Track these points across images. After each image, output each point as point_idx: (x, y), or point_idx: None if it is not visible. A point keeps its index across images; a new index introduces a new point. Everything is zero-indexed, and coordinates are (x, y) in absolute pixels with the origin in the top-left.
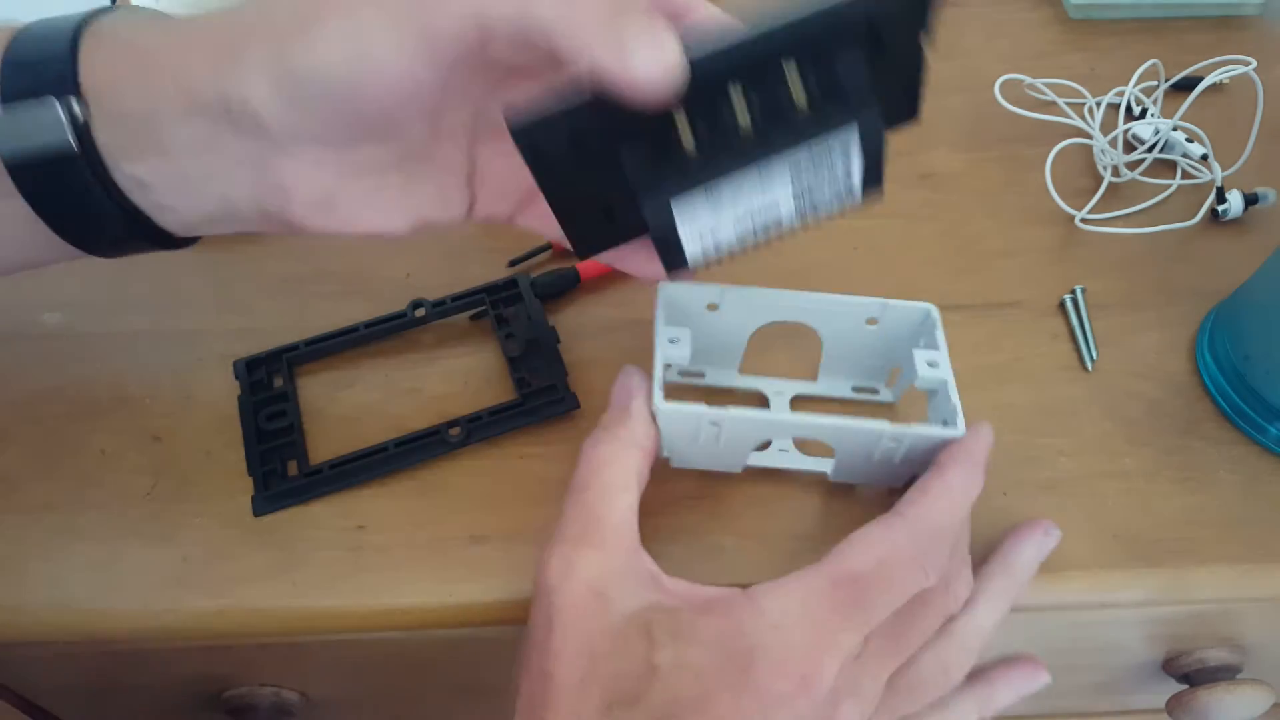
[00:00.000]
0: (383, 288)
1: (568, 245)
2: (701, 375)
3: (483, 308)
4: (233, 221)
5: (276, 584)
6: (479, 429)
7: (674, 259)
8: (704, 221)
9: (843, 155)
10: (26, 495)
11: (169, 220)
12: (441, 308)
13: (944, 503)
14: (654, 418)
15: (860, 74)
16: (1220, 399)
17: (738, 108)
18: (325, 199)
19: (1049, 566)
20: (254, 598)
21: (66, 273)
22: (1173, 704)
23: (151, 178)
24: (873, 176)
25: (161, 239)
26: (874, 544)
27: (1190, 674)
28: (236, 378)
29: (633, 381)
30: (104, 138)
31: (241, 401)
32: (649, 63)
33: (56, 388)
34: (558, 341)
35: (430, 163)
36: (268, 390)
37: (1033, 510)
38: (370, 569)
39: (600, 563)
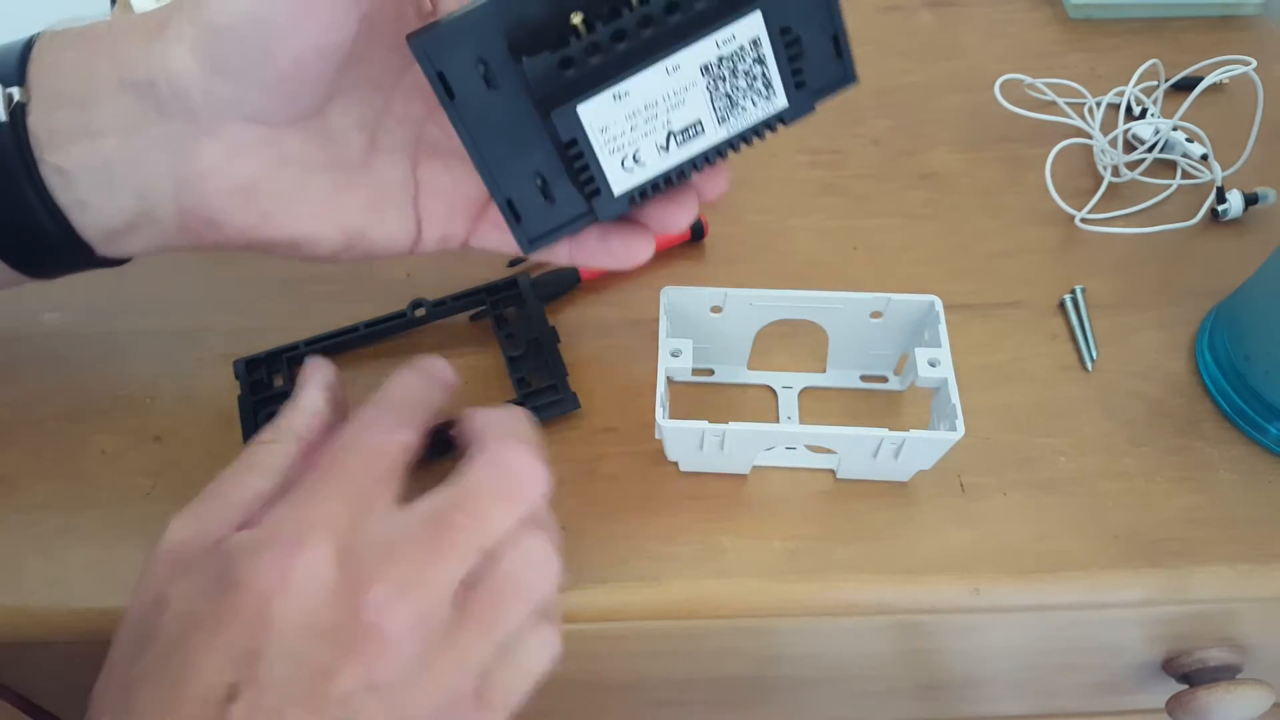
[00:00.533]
0: (383, 288)
1: (522, 255)
2: (711, 372)
3: (483, 308)
4: (151, 227)
5: None
6: None
7: (598, 188)
8: (622, 138)
9: (755, 56)
10: (26, 495)
11: (88, 222)
12: (442, 307)
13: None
14: (323, 406)
15: None
16: (1220, 399)
17: (634, 3)
18: (246, 187)
19: (1049, 566)
20: None
21: None
22: (1173, 704)
23: (73, 165)
24: (792, 81)
25: (84, 253)
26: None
27: (1190, 674)
28: (237, 377)
29: (306, 372)
30: (36, 123)
31: (242, 401)
32: None
33: (56, 388)
34: (558, 341)
35: (366, 172)
36: (268, 390)
37: (1033, 510)
38: None
39: (189, 527)
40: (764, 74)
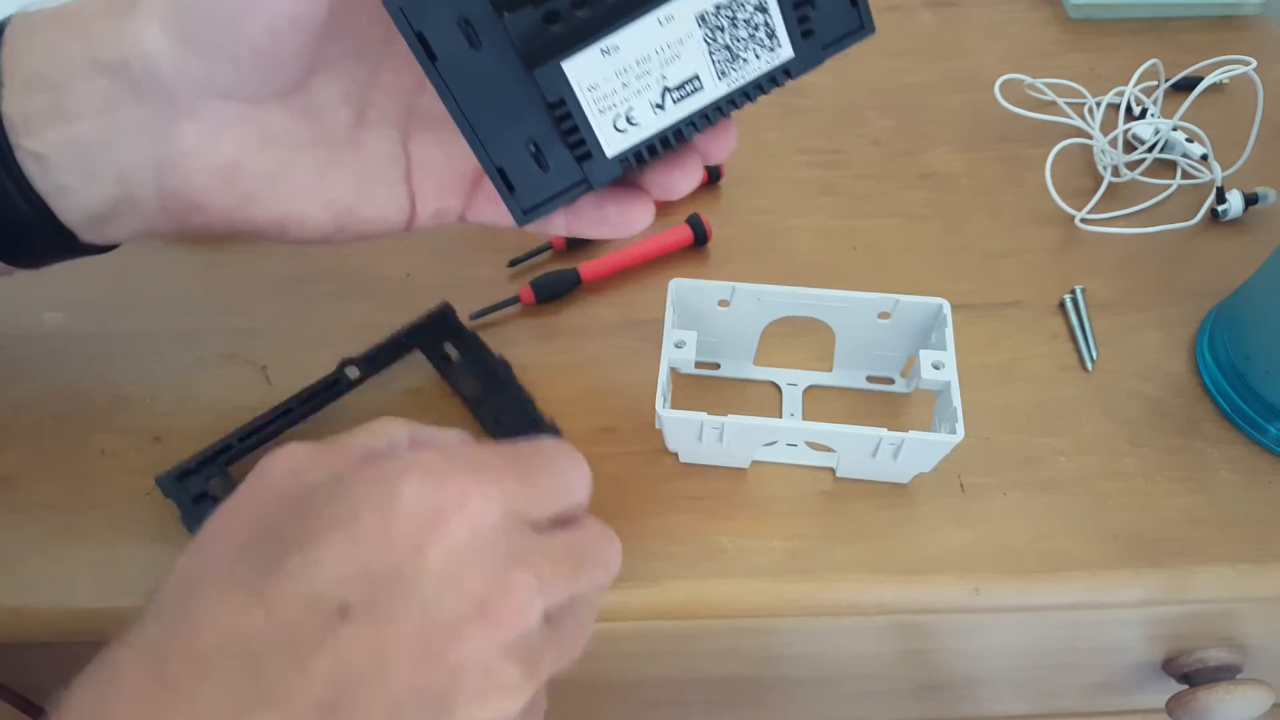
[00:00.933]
0: (383, 288)
1: (532, 230)
2: (717, 366)
3: (413, 349)
4: (133, 211)
5: None
6: None
7: (589, 151)
8: (613, 96)
9: (756, 3)
10: (26, 495)
11: (69, 208)
12: (375, 363)
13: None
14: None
15: None
16: (1220, 399)
17: None
18: (228, 168)
19: (1049, 566)
20: None
21: (67, 273)
22: (1172, 704)
23: (50, 150)
24: (799, 29)
25: (67, 240)
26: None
27: (1190, 674)
28: (167, 495)
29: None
30: (10, 108)
31: (185, 521)
32: None
33: (56, 388)
34: (509, 368)
35: (354, 148)
36: (209, 500)
37: (1033, 510)
38: None
39: (311, 453)
40: (766, 22)
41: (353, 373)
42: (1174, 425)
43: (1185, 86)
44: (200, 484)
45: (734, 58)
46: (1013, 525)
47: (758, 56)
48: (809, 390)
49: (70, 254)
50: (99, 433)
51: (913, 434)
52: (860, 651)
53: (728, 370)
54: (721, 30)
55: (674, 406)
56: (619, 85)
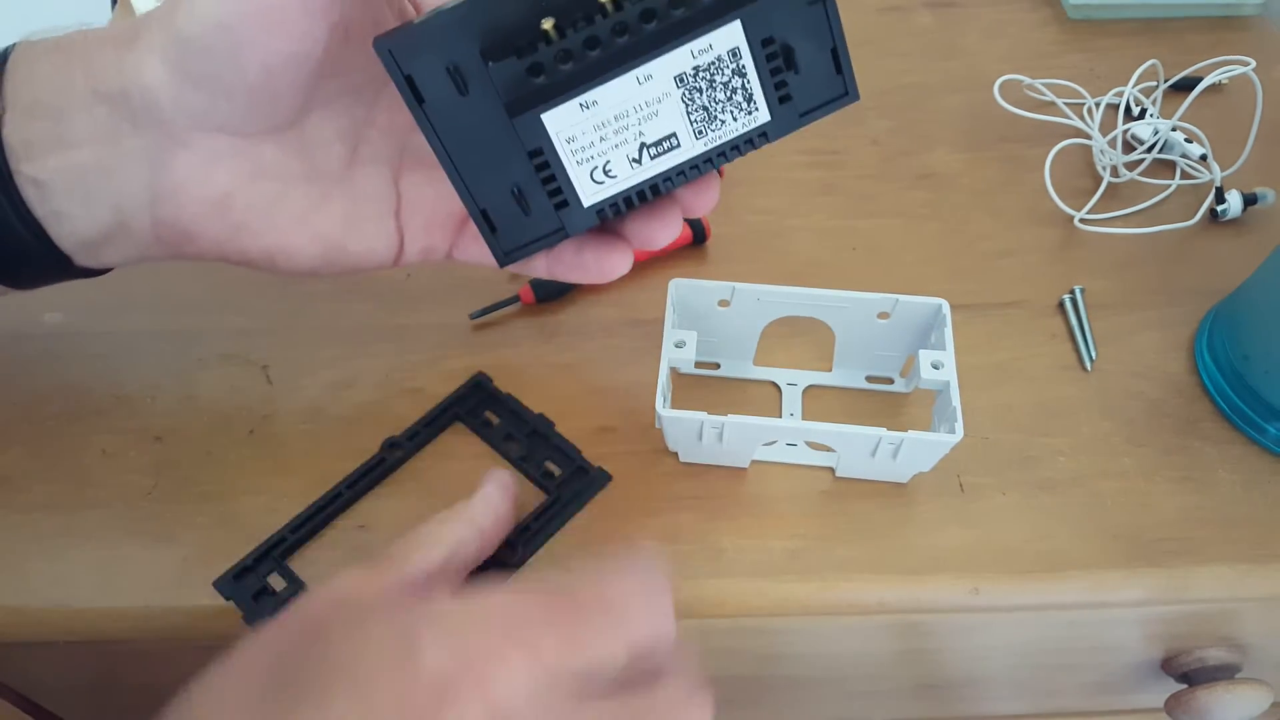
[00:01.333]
0: (383, 288)
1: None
2: (717, 366)
3: (454, 421)
4: (127, 238)
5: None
6: (531, 541)
7: (566, 200)
8: (591, 149)
9: (735, 68)
10: (26, 495)
11: (65, 233)
12: (418, 439)
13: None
14: (499, 501)
15: None
16: (1219, 399)
17: (609, 10)
18: (222, 199)
19: (1049, 566)
20: None
21: None
22: (1172, 704)
23: (49, 176)
24: (775, 95)
25: (62, 263)
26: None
27: (1189, 673)
28: (228, 598)
29: (486, 477)
30: (11, 134)
31: (248, 620)
32: None
33: (56, 388)
34: (549, 423)
35: (346, 184)
36: (269, 595)
37: (1032, 510)
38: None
39: (355, 581)
40: (744, 86)
41: (397, 453)
42: (1173, 425)
43: (1185, 87)
44: (258, 581)
45: (711, 119)
46: (1012, 525)
47: (735, 119)
48: (809, 390)
49: (64, 276)
50: (99, 433)
51: (912, 434)
52: (860, 651)
53: (728, 370)
54: (700, 92)
55: (674, 406)
56: (597, 139)
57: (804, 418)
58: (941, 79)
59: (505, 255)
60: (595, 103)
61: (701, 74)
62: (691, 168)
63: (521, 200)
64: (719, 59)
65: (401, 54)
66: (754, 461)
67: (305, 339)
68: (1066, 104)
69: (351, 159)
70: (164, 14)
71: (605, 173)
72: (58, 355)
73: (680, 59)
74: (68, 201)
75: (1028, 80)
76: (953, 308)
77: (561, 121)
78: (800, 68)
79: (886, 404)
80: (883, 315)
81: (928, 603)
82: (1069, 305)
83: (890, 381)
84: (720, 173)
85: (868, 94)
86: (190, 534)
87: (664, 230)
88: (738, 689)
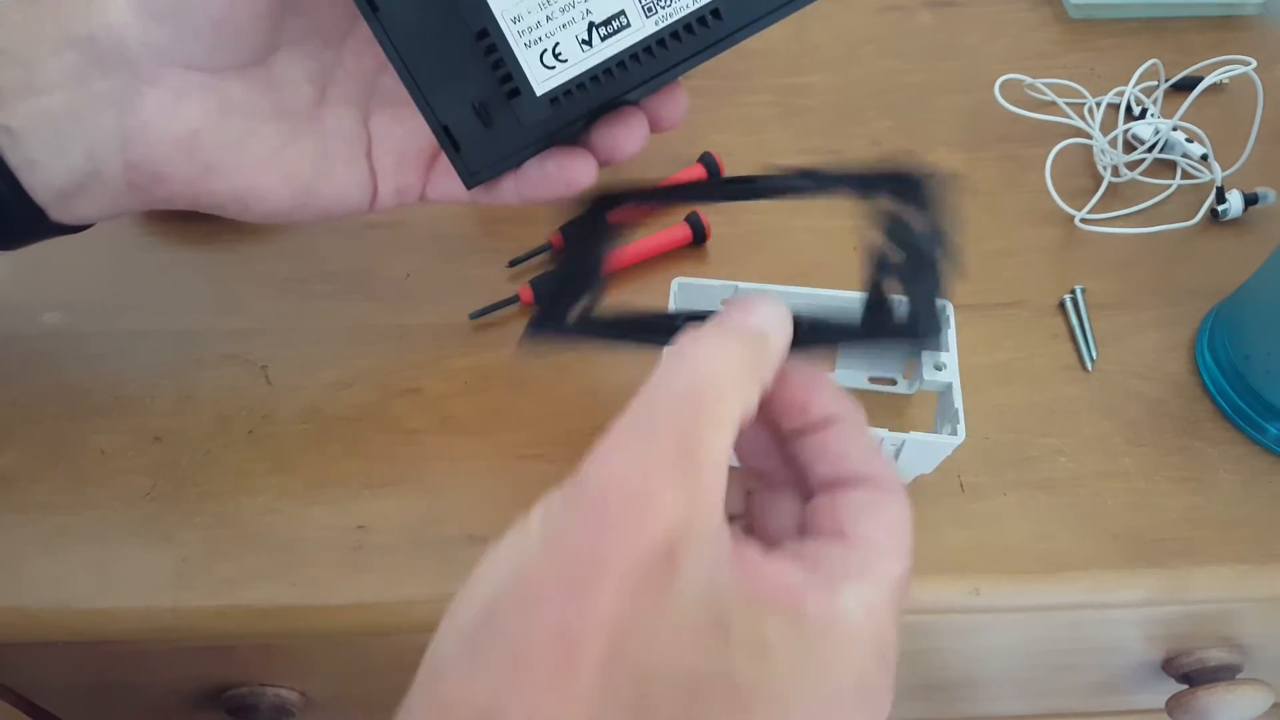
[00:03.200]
0: (383, 288)
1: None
2: None
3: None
4: (100, 187)
5: (276, 584)
6: None
7: (517, 88)
8: (538, 30)
9: None
10: (26, 495)
11: (38, 183)
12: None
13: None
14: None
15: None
16: (1220, 399)
17: None
18: (190, 136)
19: (1049, 566)
20: (254, 598)
21: (66, 273)
22: (1172, 704)
23: (20, 123)
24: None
25: (38, 217)
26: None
27: (1190, 674)
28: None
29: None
30: None
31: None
32: None
33: (56, 388)
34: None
35: (315, 123)
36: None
37: (1032, 510)
38: (370, 569)
39: (687, 507)
40: None
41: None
42: (1174, 425)
43: (1185, 86)
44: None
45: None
46: (1012, 525)
47: None
48: None
49: (43, 233)
50: (98, 433)
51: (914, 435)
52: None
53: None
54: None
55: None
56: (543, 18)
57: None
58: (942, 79)
59: (471, 175)
60: None
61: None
62: (646, 52)
63: (483, 114)
64: None
65: None
66: None
67: (305, 339)
68: (1067, 104)
69: (320, 99)
70: None
71: (555, 56)
72: (57, 355)
73: None
74: (40, 148)
75: (1028, 80)
76: (953, 308)
77: (501, 5)
78: None
79: (889, 405)
80: None
81: (928, 603)
82: (1069, 305)
83: (893, 382)
84: (720, 169)
85: (868, 94)
86: (189, 534)
87: (629, 137)
88: None
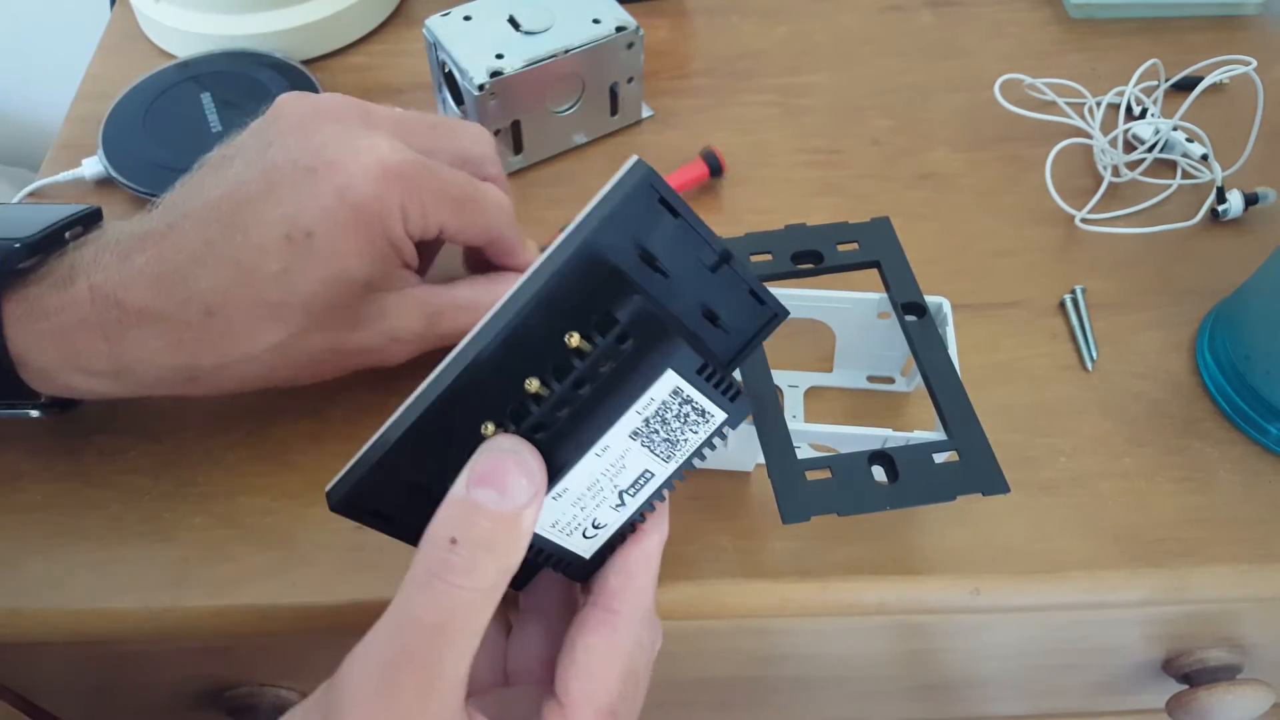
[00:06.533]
0: None
1: None
2: None
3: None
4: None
5: (276, 584)
6: None
7: (569, 563)
8: (574, 520)
9: (681, 399)
10: (26, 495)
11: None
12: None
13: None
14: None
15: (638, 311)
16: (1220, 399)
17: (542, 394)
18: None
19: (1049, 566)
20: (254, 598)
21: None
22: (1173, 704)
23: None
24: (724, 396)
25: (23, 391)
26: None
27: (1190, 674)
28: None
29: (510, 468)
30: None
31: None
32: None
33: None
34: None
35: None
36: None
37: (1033, 510)
38: (370, 569)
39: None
40: (695, 407)
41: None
42: (1174, 425)
43: (1185, 86)
44: None
45: (675, 444)
46: (1012, 525)
47: (696, 431)
48: (809, 391)
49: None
50: (99, 433)
51: (914, 435)
52: (860, 651)
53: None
54: (656, 433)
55: None
56: (577, 510)
57: (806, 419)
58: (942, 78)
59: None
60: (565, 490)
61: (653, 421)
62: (670, 482)
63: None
64: (664, 404)
65: (349, 504)
66: (758, 465)
67: None
68: (1067, 103)
69: None
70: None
71: (594, 526)
72: None
73: (629, 421)
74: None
75: (1028, 80)
76: (953, 308)
77: (541, 522)
78: (726, 324)
79: (888, 404)
80: (883, 315)
81: (928, 603)
82: (1070, 305)
83: (891, 381)
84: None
85: (868, 94)
86: (189, 534)
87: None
88: (738, 690)
